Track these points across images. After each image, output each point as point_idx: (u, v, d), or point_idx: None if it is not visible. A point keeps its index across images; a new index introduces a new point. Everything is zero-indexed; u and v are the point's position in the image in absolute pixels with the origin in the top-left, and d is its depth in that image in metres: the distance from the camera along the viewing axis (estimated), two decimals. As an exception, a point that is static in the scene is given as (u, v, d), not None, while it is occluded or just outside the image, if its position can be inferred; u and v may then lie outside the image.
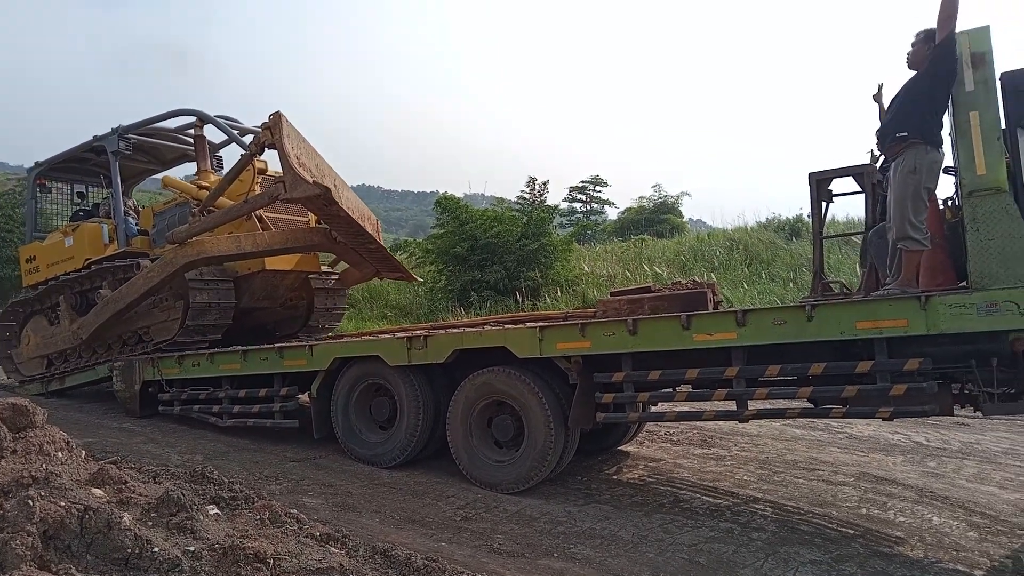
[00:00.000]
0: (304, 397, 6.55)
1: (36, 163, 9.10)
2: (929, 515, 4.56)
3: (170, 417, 7.36)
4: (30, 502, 2.77)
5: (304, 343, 6.39)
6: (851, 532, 4.31)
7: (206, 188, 7.56)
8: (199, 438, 6.75)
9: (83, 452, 4.04)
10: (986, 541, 4.14)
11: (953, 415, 4.71)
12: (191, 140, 8.50)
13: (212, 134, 8.29)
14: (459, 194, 18.64)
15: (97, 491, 3.39)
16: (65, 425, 5.54)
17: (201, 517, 3.31)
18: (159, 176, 9.17)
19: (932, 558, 3.92)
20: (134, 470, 4.64)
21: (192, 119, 8.14)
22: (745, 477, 5.51)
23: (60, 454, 3.65)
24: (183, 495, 3.38)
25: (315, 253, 8.09)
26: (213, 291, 7.25)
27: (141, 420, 7.48)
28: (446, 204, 16.74)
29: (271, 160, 6.72)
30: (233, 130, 7.86)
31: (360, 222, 6.71)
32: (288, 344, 6.50)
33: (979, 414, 4.24)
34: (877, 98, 5.16)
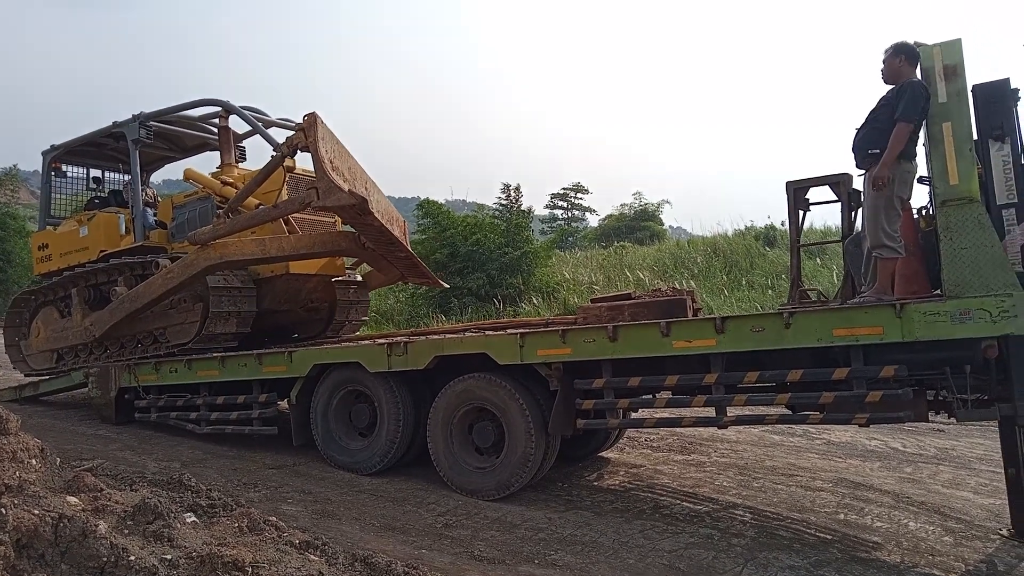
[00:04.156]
0: (283, 404, 6.50)
1: (52, 146, 8.75)
2: (906, 520, 4.62)
3: (147, 424, 7.26)
4: (3, 510, 2.73)
5: (283, 349, 6.34)
6: (829, 537, 4.35)
7: (230, 184, 7.37)
8: (176, 445, 6.68)
9: (58, 459, 3.98)
10: (961, 546, 4.19)
11: (928, 421, 4.77)
12: (213, 129, 8.31)
13: (235, 125, 8.06)
14: (441, 200, 18.72)
15: (72, 499, 3.34)
16: (39, 432, 5.47)
17: (178, 525, 3.27)
18: (178, 164, 8.90)
19: (909, 563, 3.97)
20: (110, 477, 4.60)
21: (216, 108, 7.91)
22: (725, 483, 5.55)
23: (34, 461, 3.59)
24: (160, 503, 3.33)
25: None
26: (235, 299, 7.00)
27: (117, 427, 7.37)
28: (428, 209, 16.81)
29: (300, 157, 6.47)
30: (259, 122, 7.63)
31: (390, 228, 6.46)
32: (267, 350, 6.44)
33: (954, 420, 4.30)
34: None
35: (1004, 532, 4.37)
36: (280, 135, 7.18)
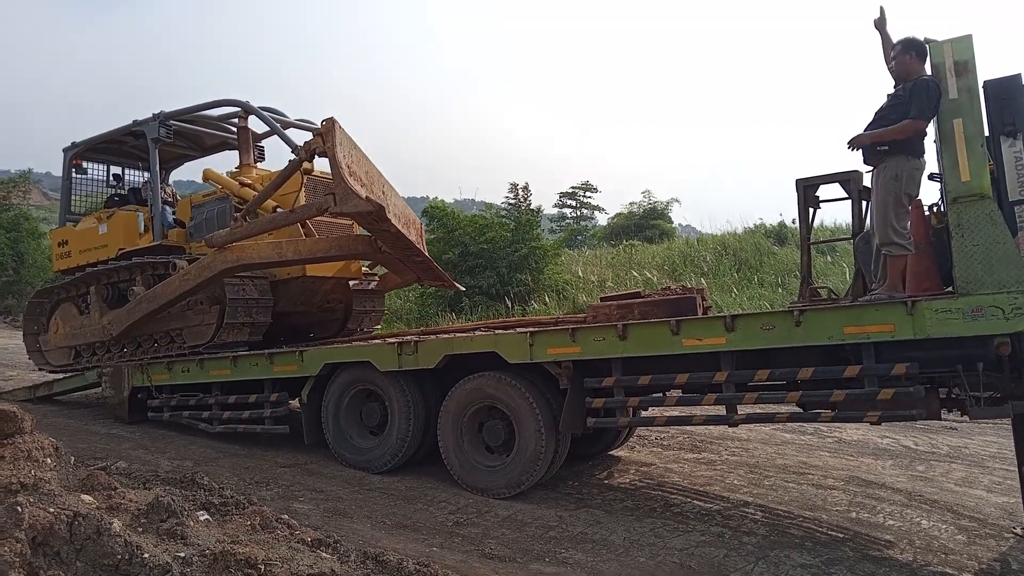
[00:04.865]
0: (294, 403, 6.53)
1: (73, 143, 8.81)
2: (918, 519, 4.60)
3: (160, 423, 7.30)
4: (19, 508, 2.76)
5: (294, 349, 6.37)
6: (841, 536, 4.34)
7: (248, 185, 7.40)
8: (189, 444, 6.72)
9: (72, 458, 4.02)
10: (974, 544, 4.18)
11: (941, 419, 4.75)
12: (233, 129, 8.36)
13: (254, 125, 8.09)
14: (449, 199, 18.73)
15: (87, 497, 3.37)
16: (54, 431, 5.51)
17: (191, 523, 3.30)
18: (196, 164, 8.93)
19: (921, 561, 3.95)
20: (124, 476, 4.63)
21: (235, 108, 7.96)
22: (735, 481, 5.53)
23: (49, 460, 3.63)
24: (173, 501, 3.36)
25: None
26: (251, 311, 7.04)
27: (130, 426, 7.42)
28: (433, 212, 16.82)
29: (318, 160, 6.49)
30: (277, 123, 7.66)
31: (406, 232, 6.43)
32: (278, 350, 6.48)
33: (966, 418, 4.28)
34: (879, 24, 4.77)
35: (1018, 531, 4.35)
36: (298, 136, 7.20)
